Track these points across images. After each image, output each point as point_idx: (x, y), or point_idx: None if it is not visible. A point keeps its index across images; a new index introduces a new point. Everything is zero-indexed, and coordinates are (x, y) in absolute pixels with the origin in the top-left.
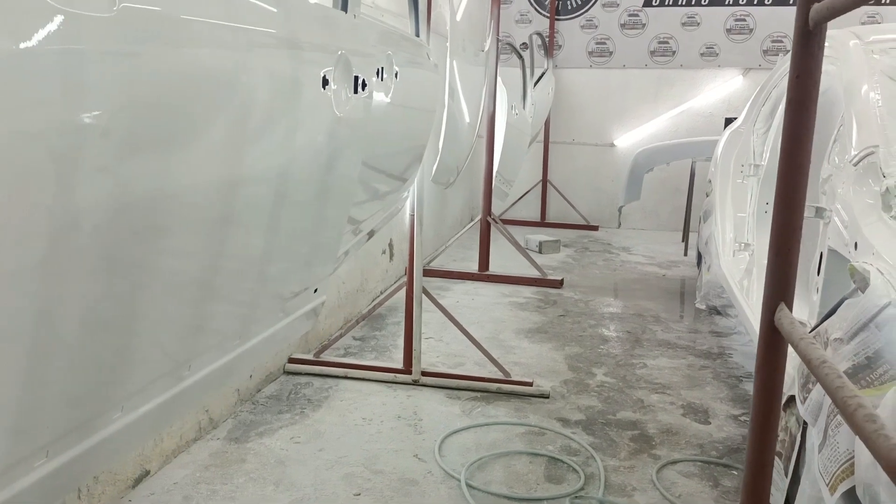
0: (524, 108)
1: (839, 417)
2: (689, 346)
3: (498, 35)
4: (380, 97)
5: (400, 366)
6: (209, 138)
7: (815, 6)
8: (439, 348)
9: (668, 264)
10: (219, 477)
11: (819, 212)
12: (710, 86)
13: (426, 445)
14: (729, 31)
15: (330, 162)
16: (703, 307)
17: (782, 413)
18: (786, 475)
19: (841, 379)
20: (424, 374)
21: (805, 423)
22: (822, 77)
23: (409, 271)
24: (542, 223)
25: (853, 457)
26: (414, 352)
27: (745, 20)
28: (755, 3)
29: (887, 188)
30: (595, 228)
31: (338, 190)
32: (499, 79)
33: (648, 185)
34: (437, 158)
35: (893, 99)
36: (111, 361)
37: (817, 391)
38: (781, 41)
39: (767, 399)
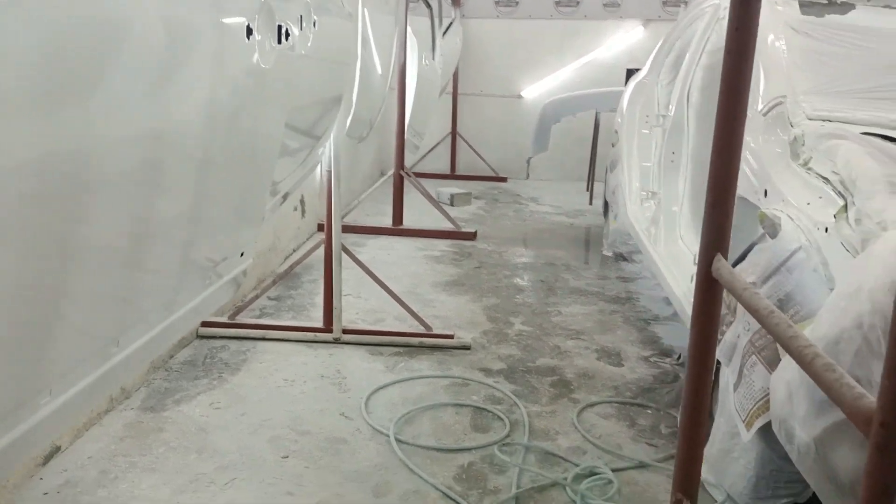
0: (433, 58)
1: (755, 357)
2: (599, 292)
3: None
4: (301, 48)
5: (320, 324)
6: (126, 92)
7: None
8: (358, 305)
9: (575, 213)
10: (136, 448)
11: None
12: (613, 37)
13: (352, 403)
14: None
15: (254, 117)
16: (611, 254)
17: None
18: None
19: (792, 328)
20: (345, 331)
21: (718, 363)
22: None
23: (327, 228)
24: (452, 175)
25: (768, 394)
26: (334, 310)
27: None
28: None
29: (795, 137)
30: (504, 180)
31: (263, 147)
32: (409, 28)
33: (554, 137)
34: (351, 112)
35: (797, 50)
36: (37, 344)
37: (731, 333)
38: None
39: (704, 346)
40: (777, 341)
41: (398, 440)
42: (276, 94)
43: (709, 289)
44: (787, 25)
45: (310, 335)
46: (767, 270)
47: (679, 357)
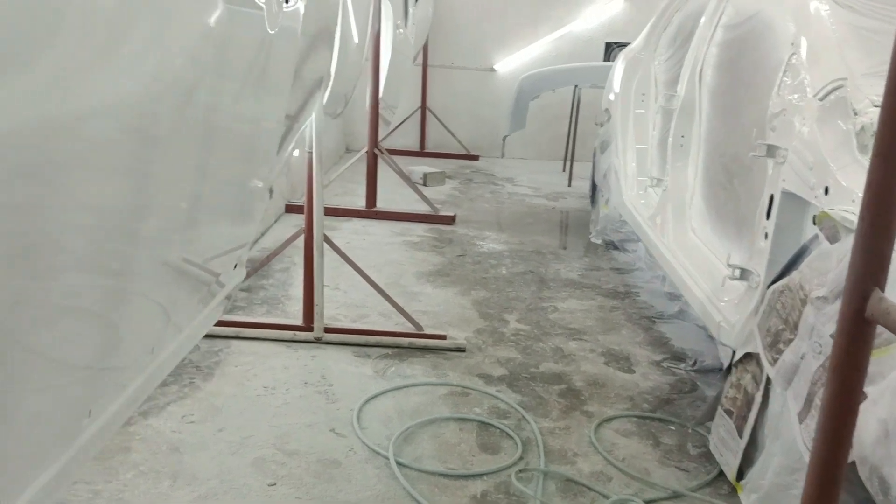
0: (406, 26)
1: None
2: (595, 284)
3: None
4: (301, 10)
5: (299, 322)
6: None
7: None
8: (337, 298)
9: (555, 195)
10: (100, 473)
11: (771, 150)
12: (591, 8)
13: (342, 416)
14: None
15: (258, 94)
16: (600, 241)
17: (734, 369)
18: (740, 436)
19: None
20: (327, 330)
21: (767, 382)
22: None
23: (308, 216)
24: (422, 153)
25: None
26: (316, 306)
27: None
28: None
29: (863, 126)
30: (476, 158)
31: (265, 131)
32: None
33: (529, 113)
34: (329, 85)
35: (844, 25)
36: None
37: (791, 352)
38: None
39: (848, 395)
40: None
41: (399, 463)
42: (281, 63)
43: (859, 328)
44: None
45: (288, 334)
46: (840, 285)
47: (694, 363)
